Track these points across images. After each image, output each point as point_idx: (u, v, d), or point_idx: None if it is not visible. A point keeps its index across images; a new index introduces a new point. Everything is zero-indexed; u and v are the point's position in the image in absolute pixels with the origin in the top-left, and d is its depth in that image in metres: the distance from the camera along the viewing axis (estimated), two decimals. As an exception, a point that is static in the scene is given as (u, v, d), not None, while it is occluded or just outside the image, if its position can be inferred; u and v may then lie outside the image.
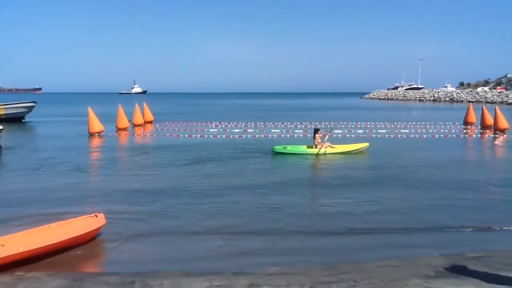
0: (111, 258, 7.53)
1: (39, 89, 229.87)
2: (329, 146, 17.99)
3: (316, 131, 18.38)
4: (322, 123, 30.39)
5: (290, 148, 18.10)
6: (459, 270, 6.33)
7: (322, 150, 17.74)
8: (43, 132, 29.98)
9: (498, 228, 8.71)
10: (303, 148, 18.15)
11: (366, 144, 18.75)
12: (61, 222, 7.78)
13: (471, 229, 8.62)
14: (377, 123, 32.28)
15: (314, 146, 17.97)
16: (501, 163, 17.68)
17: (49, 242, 7.03)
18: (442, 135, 25.09)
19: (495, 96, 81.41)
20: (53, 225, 7.62)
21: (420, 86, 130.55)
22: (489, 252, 7.19)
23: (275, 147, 18.30)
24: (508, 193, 11.52)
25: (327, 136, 18.68)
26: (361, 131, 27.54)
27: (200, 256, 7.31)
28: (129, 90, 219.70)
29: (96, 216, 8.03)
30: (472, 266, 6.51)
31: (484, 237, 8.29)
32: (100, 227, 8.00)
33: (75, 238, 7.42)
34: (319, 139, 18.10)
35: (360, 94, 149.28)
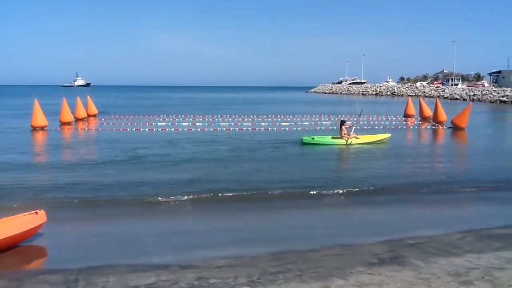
0: (53, 256, 7.26)
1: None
2: (355, 137, 18.89)
3: (342, 122, 19.20)
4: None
5: (318, 139, 18.99)
6: (399, 257, 6.64)
7: (349, 141, 18.62)
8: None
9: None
10: (330, 139, 18.96)
11: (388, 135, 19.91)
12: (-2, 220, 7.38)
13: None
14: (322, 116, 33.09)
15: (340, 137, 18.79)
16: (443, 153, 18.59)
17: (-15, 241, 6.66)
18: (381, 127, 26.07)
19: (432, 91, 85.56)
20: (-11, 223, 7.21)
21: (363, 81, 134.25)
22: (425, 238, 7.58)
23: (304, 137, 19.09)
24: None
25: (353, 127, 19.73)
26: (307, 123, 28.13)
27: (147, 250, 7.20)
28: (71, 83, 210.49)
29: (36, 213, 7.65)
30: (410, 252, 6.84)
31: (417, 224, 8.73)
32: (41, 224, 7.64)
33: (13, 237, 7.05)
34: (345, 130, 18.88)
35: (306, 88, 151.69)
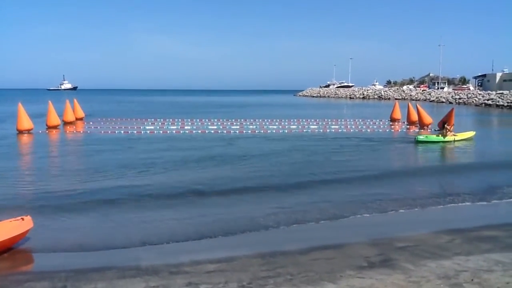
0: (40, 262, 7.15)
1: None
2: (454, 135, 21.76)
3: (444, 123, 21.96)
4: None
5: (430, 137, 21.91)
6: (389, 260, 6.65)
7: (452, 138, 21.45)
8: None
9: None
10: (440, 137, 21.52)
11: (473, 133, 23.00)
12: (-18, 226, 7.24)
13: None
14: (309, 120, 33.24)
15: (442, 135, 21.41)
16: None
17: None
18: (368, 130, 26.26)
19: (419, 94, 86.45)
20: (-27, 230, 7.06)
21: (350, 84, 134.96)
22: (414, 240, 7.63)
23: (418, 137, 21.96)
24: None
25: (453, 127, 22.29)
26: (294, 126, 28.23)
27: (135, 255, 7.12)
28: (58, 86, 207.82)
29: (22, 219, 7.53)
30: (400, 255, 6.86)
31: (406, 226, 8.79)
32: (27, 230, 7.53)
33: (-2, 243, 6.94)
34: (449, 130, 21.55)
35: (294, 92, 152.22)
